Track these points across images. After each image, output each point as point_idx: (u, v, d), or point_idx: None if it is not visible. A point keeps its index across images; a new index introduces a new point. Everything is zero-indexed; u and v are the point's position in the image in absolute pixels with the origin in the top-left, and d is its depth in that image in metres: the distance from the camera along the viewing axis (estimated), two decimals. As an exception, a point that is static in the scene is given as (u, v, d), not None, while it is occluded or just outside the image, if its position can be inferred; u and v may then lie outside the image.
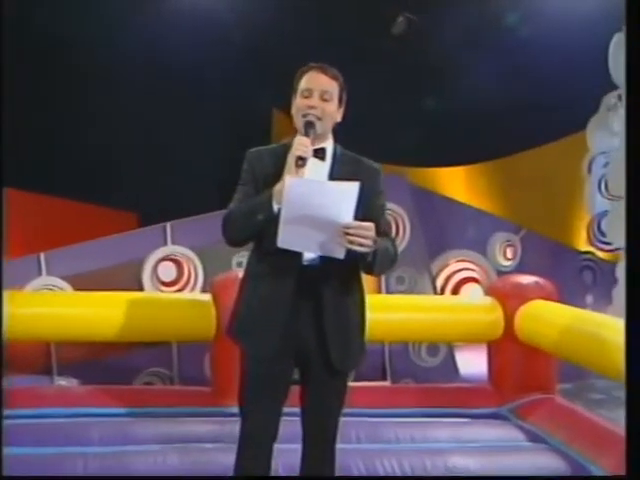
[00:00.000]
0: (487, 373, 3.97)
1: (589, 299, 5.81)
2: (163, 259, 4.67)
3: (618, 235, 5.17)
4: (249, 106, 6.82)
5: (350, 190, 1.89)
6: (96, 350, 4.10)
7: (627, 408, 1.83)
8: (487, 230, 5.85)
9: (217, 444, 2.92)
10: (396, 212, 5.29)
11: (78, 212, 6.49)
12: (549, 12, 6.15)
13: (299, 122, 2.07)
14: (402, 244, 5.20)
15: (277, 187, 1.98)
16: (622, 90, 5.26)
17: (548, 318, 3.60)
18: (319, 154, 2.07)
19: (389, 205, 5.22)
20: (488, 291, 3.97)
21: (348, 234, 1.89)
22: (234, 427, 3.04)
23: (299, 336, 2.05)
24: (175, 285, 4.72)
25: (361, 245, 1.91)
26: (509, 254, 5.89)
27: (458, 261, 5.74)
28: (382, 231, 2.10)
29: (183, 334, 3.63)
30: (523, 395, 3.69)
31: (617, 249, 5.37)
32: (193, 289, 4.72)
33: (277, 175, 2.04)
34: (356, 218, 1.94)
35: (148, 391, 3.78)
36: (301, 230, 1.91)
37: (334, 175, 2.08)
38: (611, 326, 3.22)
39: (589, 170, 5.79)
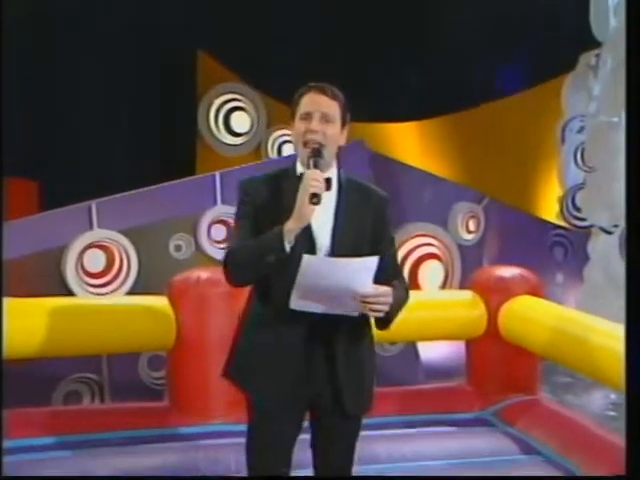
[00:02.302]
0: (466, 372, 4.20)
1: (559, 277, 6.18)
2: (89, 246, 4.53)
3: (594, 210, 5.49)
4: (170, 50, 6.60)
5: (369, 265, 2.03)
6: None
7: (627, 408, 1.99)
8: (448, 200, 6.01)
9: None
10: (355, 185, 5.37)
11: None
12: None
13: (301, 150, 2.10)
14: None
15: (288, 226, 2.01)
16: (603, 49, 5.46)
17: (535, 317, 3.77)
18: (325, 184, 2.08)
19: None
20: (470, 285, 4.15)
21: (366, 302, 2.02)
22: (209, 454, 3.16)
23: (311, 383, 2.13)
24: (104, 276, 4.59)
25: (377, 311, 2.06)
26: (471, 226, 6.11)
27: (417, 236, 5.92)
28: (392, 268, 2.21)
29: (138, 345, 3.58)
30: (505, 396, 3.88)
31: (592, 226, 5.70)
32: (125, 280, 4.62)
33: (278, 206, 2.08)
34: (365, 253, 2.07)
35: (91, 412, 3.72)
36: (315, 297, 2.03)
37: (341, 205, 2.13)
38: (600, 330, 3.43)
39: (562, 136, 6.04)
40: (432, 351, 5.57)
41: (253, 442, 2.26)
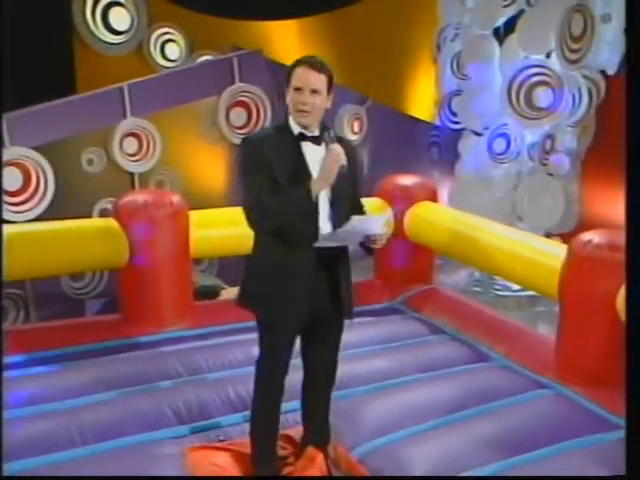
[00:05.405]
0: (374, 269, 5.02)
1: (435, 173, 7.07)
2: (4, 165, 4.68)
3: (468, 115, 6.34)
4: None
5: (385, 219, 2.79)
6: None
7: (627, 407, 2.22)
8: (334, 102, 6.60)
9: (173, 381, 3.49)
10: (256, 94, 5.80)
11: None
12: None
13: (294, 113, 2.61)
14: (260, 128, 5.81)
15: (316, 187, 2.56)
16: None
17: (435, 220, 4.65)
18: (315, 141, 2.65)
19: (249, 88, 5.73)
20: (376, 192, 4.87)
21: (375, 241, 2.68)
22: (180, 357, 3.70)
23: (316, 299, 2.71)
24: (22, 194, 4.80)
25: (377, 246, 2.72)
26: (356, 127, 6.80)
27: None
28: (360, 201, 2.86)
29: (94, 266, 3.92)
30: (409, 287, 4.78)
31: (464, 129, 6.57)
32: (43, 197, 4.86)
33: (281, 160, 2.57)
34: (343, 191, 2.69)
35: (44, 330, 4.02)
36: (338, 240, 2.65)
37: None
38: (488, 230, 4.28)
39: (439, 43, 6.73)
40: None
41: (263, 356, 2.78)
